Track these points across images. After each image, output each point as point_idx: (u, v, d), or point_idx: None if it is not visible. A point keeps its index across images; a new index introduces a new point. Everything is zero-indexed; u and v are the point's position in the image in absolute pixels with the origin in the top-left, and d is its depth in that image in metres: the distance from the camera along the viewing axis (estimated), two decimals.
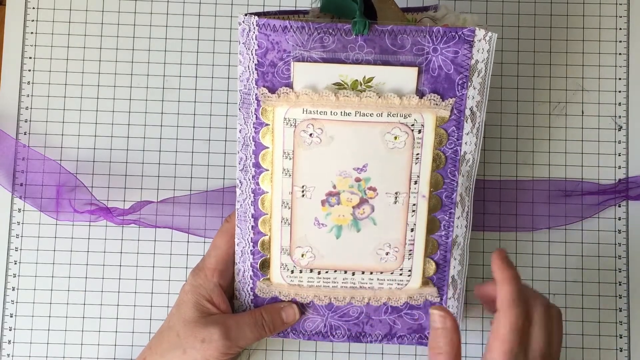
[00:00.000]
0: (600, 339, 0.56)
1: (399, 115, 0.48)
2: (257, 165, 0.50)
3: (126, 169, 0.58)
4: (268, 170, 0.50)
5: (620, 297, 0.57)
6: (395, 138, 0.48)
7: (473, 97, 0.48)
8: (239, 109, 0.49)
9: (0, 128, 0.58)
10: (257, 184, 0.50)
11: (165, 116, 0.59)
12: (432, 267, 0.51)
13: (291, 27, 0.46)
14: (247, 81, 0.48)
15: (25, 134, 0.58)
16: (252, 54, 0.48)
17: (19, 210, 0.58)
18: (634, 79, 0.59)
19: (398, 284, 0.52)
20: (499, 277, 0.46)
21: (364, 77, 0.47)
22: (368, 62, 0.47)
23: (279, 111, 0.48)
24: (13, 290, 0.57)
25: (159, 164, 0.58)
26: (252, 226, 0.51)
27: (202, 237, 0.57)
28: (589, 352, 0.56)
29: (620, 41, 0.59)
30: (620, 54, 0.59)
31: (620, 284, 0.57)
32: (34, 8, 0.59)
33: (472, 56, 0.47)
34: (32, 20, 0.59)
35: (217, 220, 0.57)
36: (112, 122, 0.59)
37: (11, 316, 0.57)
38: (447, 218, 0.50)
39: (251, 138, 0.50)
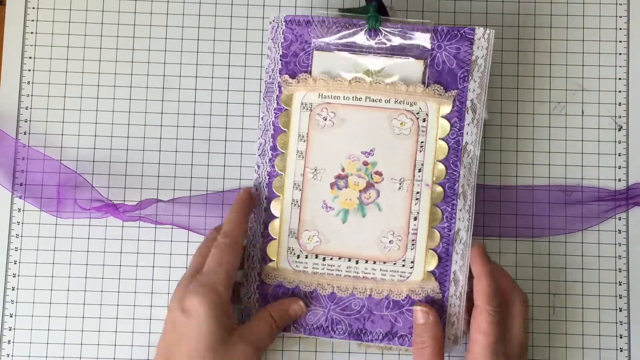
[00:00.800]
0: (600, 339, 0.56)
1: (405, 102, 0.52)
2: (274, 148, 0.54)
3: (126, 169, 0.58)
4: (283, 152, 0.53)
5: (621, 297, 0.57)
6: (402, 124, 0.52)
7: (473, 90, 0.52)
8: (263, 99, 0.54)
9: (0, 128, 0.58)
10: (273, 166, 0.54)
11: (165, 116, 0.59)
12: (434, 259, 0.52)
13: (313, 20, 0.53)
14: (272, 72, 0.54)
15: (25, 133, 0.58)
16: (278, 47, 0.54)
17: (19, 210, 0.58)
18: (634, 79, 0.59)
19: (400, 276, 0.52)
20: (476, 272, 0.50)
21: (376, 67, 0.53)
22: (379, 54, 0.53)
23: (297, 96, 0.53)
24: (13, 290, 0.57)
25: (159, 164, 0.58)
26: (264, 208, 0.54)
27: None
28: (589, 352, 0.56)
29: (620, 41, 0.59)
30: (620, 54, 0.59)
31: (620, 284, 0.57)
32: (34, 8, 0.59)
33: (472, 52, 0.52)
34: (32, 20, 0.59)
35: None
36: (112, 122, 0.59)
37: (11, 316, 0.57)
38: (449, 209, 0.52)
39: (271, 123, 0.54)
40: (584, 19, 0.59)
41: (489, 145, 0.58)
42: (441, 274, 0.52)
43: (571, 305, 0.57)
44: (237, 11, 0.59)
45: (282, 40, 0.54)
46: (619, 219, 0.57)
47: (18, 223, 0.58)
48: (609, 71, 0.59)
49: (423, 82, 0.52)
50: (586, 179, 0.58)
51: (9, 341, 0.57)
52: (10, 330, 0.57)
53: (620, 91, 0.58)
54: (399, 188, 0.52)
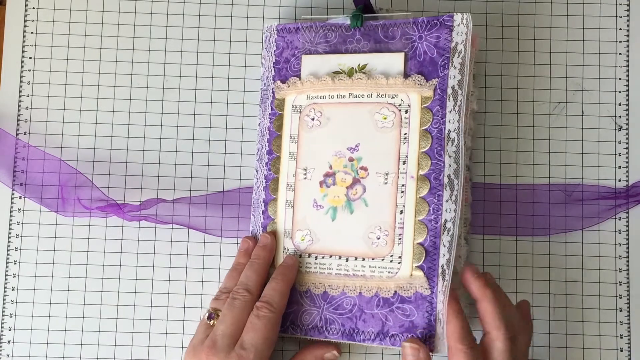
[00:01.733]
0: (600, 339, 0.56)
1: (386, 95, 0.52)
2: (269, 152, 0.55)
3: (126, 169, 0.58)
4: (278, 155, 0.54)
5: (621, 297, 0.57)
6: (384, 118, 0.52)
7: (454, 77, 0.51)
8: (259, 105, 0.56)
9: (0, 127, 0.58)
10: (269, 169, 0.54)
11: (165, 116, 0.59)
12: (421, 253, 0.51)
13: (302, 27, 0.55)
14: (267, 79, 0.56)
15: (25, 133, 0.58)
16: (271, 55, 0.56)
17: (19, 210, 0.58)
18: (634, 79, 0.59)
19: (389, 272, 0.51)
20: (447, 313, 0.49)
21: (359, 64, 0.53)
22: (363, 52, 0.54)
23: (288, 100, 0.54)
24: (13, 290, 0.57)
25: (159, 164, 0.58)
26: (262, 211, 0.55)
27: (218, 237, 0.58)
28: (590, 352, 0.56)
29: (620, 41, 0.59)
30: (620, 54, 0.59)
31: (620, 284, 0.57)
32: (34, 8, 0.59)
33: (452, 39, 0.52)
34: (32, 20, 0.59)
35: (234, 220, 0.57)
36: (112, 122, 0.59)
37: (11, 316, 0.57)
38: (435, 201, 0.51)
39: (266, 128, 0.55)
40: (584, 19, 0.59)
41: (489, 145, 0.58)
42: (429, 269, 0.51)
43: (571, 305, 0.57)
44: (237, 11, 0.59)
45: (275, 48, 0.55)
46: (619, 219, 0.57)
47: (18, 223, 0.58)
48: (609, 71, 0.59)
49: (405, 75, 0.52)
50: (586, 179, 0.58)
51: (9, 341, 0.57)
52: (10, 330, 0.57)
53: (620, 91, 0.58)
54: (385, 182, 0.52)
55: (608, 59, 0.59)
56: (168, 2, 0.59)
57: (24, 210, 0.58)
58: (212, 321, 0.51)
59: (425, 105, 0.52)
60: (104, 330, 0.57)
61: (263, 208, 0.54)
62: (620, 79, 0.59)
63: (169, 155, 0.58)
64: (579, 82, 0.59)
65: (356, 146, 0.52)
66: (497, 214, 0.57)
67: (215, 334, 0.49)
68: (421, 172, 0.51)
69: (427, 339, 0.50)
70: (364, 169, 0.52)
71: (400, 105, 0.52)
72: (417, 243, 0.51)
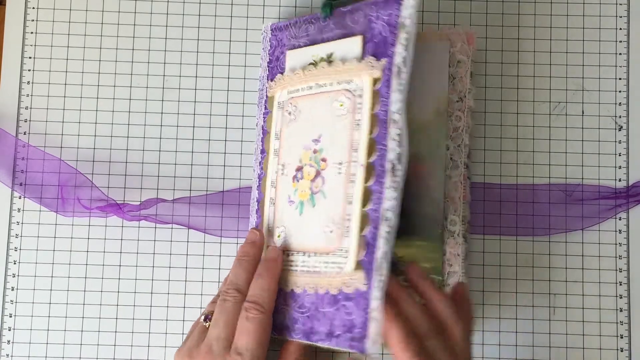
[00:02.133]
0: (601, 339, 0.56)
1: (344, 82, 0.50)
2: (262, 151, 0.54)
3: (126, 169, 0.58)
4: (267, 153, 0.54)
5: (621, 297, 0.57)
6: (341, 105, 0.49)
7: (400, 54, 0.47)
8: (258, 106, 0.56)
9: (0, 127, 0.58)
10: (261, 168, 0.54)
11: (165, 116, 0.59)
12: (363, 246, 0.46)
13: (290, 24, 0.54)
14: (263, 79, 0.56)
15: (25, 133, 0.58)
16: (266, 54, 0.56)
17: (19, 210, 0.58)
18: (634, 79, 0.59)
19: (338, 267, 0.47)
20: (387, 316, 0.45)
21: (327, 53, 0.52)
22: (333, 40, 0.52)
23: (276, 97, 0.54)
24: (12, 290, 0.57)
25: (159, 164, 0.58)
26: (256, 210, 0.54)
27: (218, 237, 0.58)
28: (590, 352, 0.56)
29: (621, 41, 0.59)
30: (620, 54, 0.59)
31: (620, 284, 0.57)
32: (34, 8, 0.59)
33: (400, 14, 0.48)
34: (32, 20, 0.59)
35: (233, 220, 0.57)
36: (112, 122, 0.59)
37: (10, 316, 0.57)
38: (379, 189, 0.46)
39: (261, 127, 0.55)
40: (584, 19, 0.59)
41: (489, 145, 0.58)
42: (368, 262, 0.46)
43: (571, 305, 0.57)
44: (237, 11, 0.59)
45: (269, 47, 0.55)
46: (620, 219, 0.57)
47: (18, 223, 0.58)
48: (609, 71, 0.59)
49: (360, 57, 0.49)
50: (586, 179, 0.58)
51: (8, 341, 0.57)
52: (9, 330, 0.57)
53: (620, 91, 0.58)
54: (339, 173, 0.48)
55: (608, 59, 0.59)
56: (168, 2, 0.60)
57: (23, 210, 0.58)
58: (207, 323, 0.50)
59: (376, 87, 0.48)
60: (104, 330, 0.57)
61: (256, 207, 0.54)
62: (620, 78, 0.59)
63: (168, 155, 0.58)
64: (579, 82, 0.59)
65: (319, 137, 0.50)
66: (497, 214, 0.57)
67: (209, 338, 0.48)
68: (369, 160, 0.47)
69: (363, 340, 0.45)
70: (324, 160, 0.49)
71: (355, 90, 0.49)
72: (362, 235, 0.47)
